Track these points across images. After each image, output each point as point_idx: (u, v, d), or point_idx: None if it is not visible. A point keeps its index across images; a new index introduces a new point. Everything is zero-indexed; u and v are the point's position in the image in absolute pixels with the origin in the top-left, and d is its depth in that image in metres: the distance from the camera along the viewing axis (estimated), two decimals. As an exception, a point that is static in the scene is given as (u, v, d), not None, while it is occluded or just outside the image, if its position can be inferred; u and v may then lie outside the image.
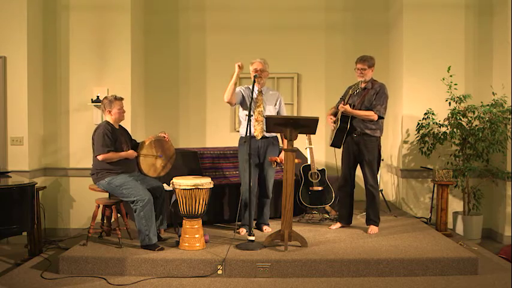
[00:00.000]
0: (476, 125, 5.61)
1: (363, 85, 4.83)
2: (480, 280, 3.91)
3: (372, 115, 4.71)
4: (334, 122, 4.92)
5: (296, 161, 4.36)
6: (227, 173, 5.37)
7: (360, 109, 4.75)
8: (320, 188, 5.36)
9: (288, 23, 6.79)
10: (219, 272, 3.94)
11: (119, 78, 5.92)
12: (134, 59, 6.11)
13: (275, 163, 4.74)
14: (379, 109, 4.72)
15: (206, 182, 4.28)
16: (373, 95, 4.75)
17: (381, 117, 4.76)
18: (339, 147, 4.93)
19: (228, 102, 4.72)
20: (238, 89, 4.81)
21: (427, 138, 5.81)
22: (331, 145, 4.94)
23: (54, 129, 5.97)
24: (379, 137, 4.84)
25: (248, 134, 4.38)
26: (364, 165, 4.80)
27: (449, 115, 5.68)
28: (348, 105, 4.77)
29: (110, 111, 4.44)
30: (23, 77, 5.51)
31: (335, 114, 4.97)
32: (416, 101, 6.00)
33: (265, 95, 4.82)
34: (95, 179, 4.40)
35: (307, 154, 5.54)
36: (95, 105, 5.85)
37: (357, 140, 4.79)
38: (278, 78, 6.84)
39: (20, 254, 4.90)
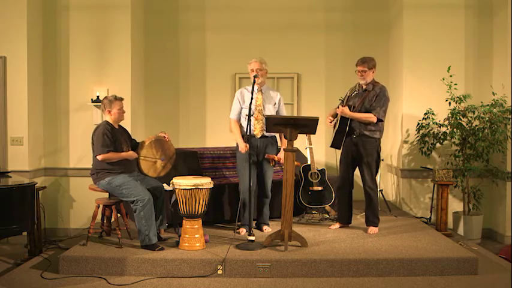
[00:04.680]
0: (476, 125, 5.61)
1: (363, 86, 4.82)
2: (480, 280, 3.91)
3: (371, 117, 4.70)
4: (333, 123, 4.92)
5: (295, 163, 4.35)
6: (227, 173, 5.37)
7: (359, 110, 4.74)
8: (320, 188, 5.36)
9: (288, 23, 6.79)
10: (219, 272, 3.94)
11: (119, 78, 5.92)
12: (134, 59, 6.11)
13: (272, 161, 4.73)
14: (378, 111, 4.71)
15: (206, 182, 4.28)
16: (374, 97, 4.74)
17: (380, 120, 4.75)
18: (339, 148, 4.94)
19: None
20: (235, 99, 4.86)
21: (427, 138, 5.81)
22: (331, 146, 4.95)
23: (54, 129, 5.97)
24: (379, 139, 4.84)
25: (248, 134, 4.38)
26: (363, 166, 4.80)
27: (449, 115, 5.67)
28: (346, 107, 4.76)
29: (110, 111, 4.44)
30: (23, 77, 5.51)
31: (335, 116, 4.97)
32: (416, 101, 6.00)
33: (265, 94, 4.82)
34: (94, 179, 4.40)
35: (307, 154, 5.54)
36: (94, 105, 5.85)
37: (355, 141, 4.78)
38: (278, 78, 6.83)
39: (20, 254, 4.90)
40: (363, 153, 4.76)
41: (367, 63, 4.75)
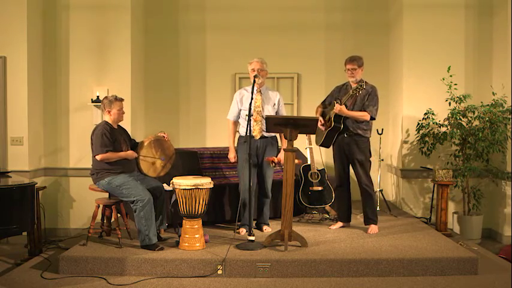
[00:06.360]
0: (476, 125, 5.61)
1: (353, 85, 4.83)
2: (480, 280, 3.91)
3: (366, 115, 4.74)
4: (323, 125, 4.92)
5: (296, 161, 4.35)
6: (227, 173, 5.37)
7: (352, 109, 4.78)
8: (320, 188, 5.36)
9: (288, 23, 6.79)
10: (219, 272, 3.94)
11: (118, 78, 5.92)
12: (134, 59, 6.11)
13: (272, 163, 4.74)
14: (371, 110, 4.75)
15: (206, 182, 4.28)
16: (365, 96, 4.77)
17: (372, 118, 4.78)
18: (328, 147, 4.96)
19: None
20: (234, 101, 4.86)
21: (427, 138, 5.81)
22: (321, 145, 4.95)
23: (54, 129, 5.97)
24: (369, 138, 4.88)
25: (248, 134, 4.38)
26: (356, 165, 4.82)
27: (449, 115, 5.68)
28: (343, 106, 4.76)
29: (109, 111, 4.44)
30: (23, 77, 5.51)
31: (323, 114, 4.97)
32: (416, 101, 6.00)
33: (264, 95, 4.82)
34: (94, 179, 4.40)
35: (307, 154, 5.54)
36: (94, 105, 5.85)
37: (347, 140, 4.80)
38: (278, 78, 6.83)
39: (20, 254, 4.90)
40: (356, 152, 4.79)
41: (357, 61, 4.78)
